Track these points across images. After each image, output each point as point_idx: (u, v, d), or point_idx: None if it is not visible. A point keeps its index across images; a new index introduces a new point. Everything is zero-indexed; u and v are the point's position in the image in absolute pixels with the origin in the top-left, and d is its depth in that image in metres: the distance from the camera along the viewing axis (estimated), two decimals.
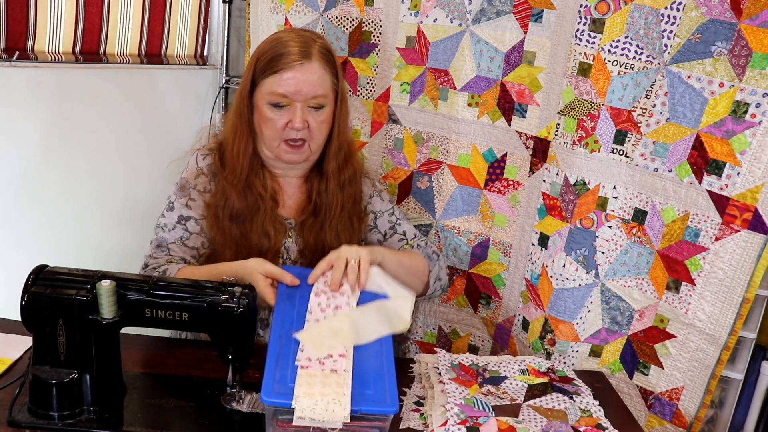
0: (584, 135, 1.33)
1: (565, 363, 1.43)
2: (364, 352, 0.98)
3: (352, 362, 0.94)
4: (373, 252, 1.17)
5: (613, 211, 1.33)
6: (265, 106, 1.23)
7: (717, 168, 1.18)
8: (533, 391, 1.11)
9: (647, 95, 1.25)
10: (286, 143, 1.25)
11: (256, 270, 1.09)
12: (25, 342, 1.11)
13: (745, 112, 1.14)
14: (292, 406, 0.85)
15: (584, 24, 1.29)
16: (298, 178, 1.36)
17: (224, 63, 2.30)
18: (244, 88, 1.27)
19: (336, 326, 1.00)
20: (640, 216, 1.31)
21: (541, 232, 1.45)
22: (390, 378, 0.94)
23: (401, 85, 1.58)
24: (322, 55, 1.24)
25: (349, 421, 0.85)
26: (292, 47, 1.22)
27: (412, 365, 1.21)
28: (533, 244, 1.47)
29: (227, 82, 2.31)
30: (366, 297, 1.12)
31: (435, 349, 1.20)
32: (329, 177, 1.33)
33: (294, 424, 0.86)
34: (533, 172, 1.45)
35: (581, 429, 1.01)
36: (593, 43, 1.29)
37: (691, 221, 1.23)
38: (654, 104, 1.24)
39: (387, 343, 1.02)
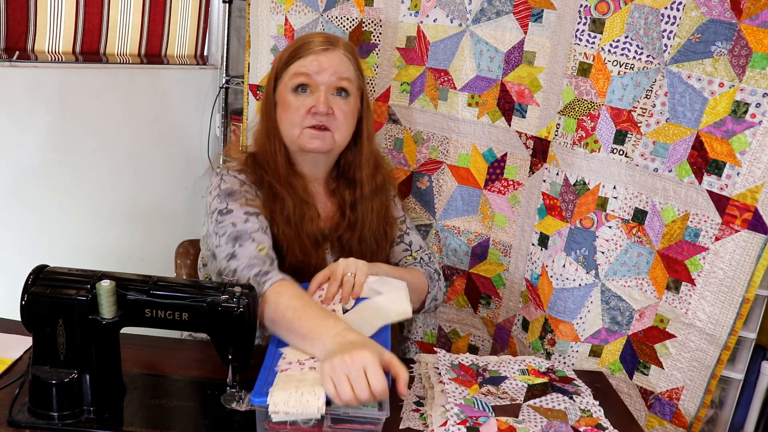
0: (584, 135, 1.33)
1: (565, 363, 1.43)
2: None
3: None
4: (375, 267, 1.16)
5: (613, 211, 1.33)
6: (288, 93, 1.21)
7: (717, 168, 1.18)
8: (533, 391, 1.11)
9: (647, 95, 1.25)
10: (310, 128, 1.20)
11: (374, 355, 0.86)
12: (25, 342, 1.11)
13: (745, 112, 1.14)
14: (267, 402, 0.85)
15: (584, 24, 1.29)
16: (325, 188, 1.33)
17: (224, 63, 2.30)
18: (268, 88, 1.26)
19: None
20: (640, 216, 1.31)
21: (541, 232, 1.45)
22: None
23: (401, 85, 1.58)
24: (346, 47, 1.25)
25: (324, 411, 0.85)
26: (316, 38, 1.22)
27: (412, 365, 1.21)
28: (533, 244, 1.47)
29: (227, 82, 2.31)
30: (360, 300, 1.12)
31: (435, 349, 1.20)
32: (363, 184, 1.30)
33: (272, 421, 0.86)
34: (533, 172, 1.45)
35: (581, 429, 1.01)
36: (593, 43, 1.29)
37: (691, 221, 1.23)
38: (654, 104, 1.24)
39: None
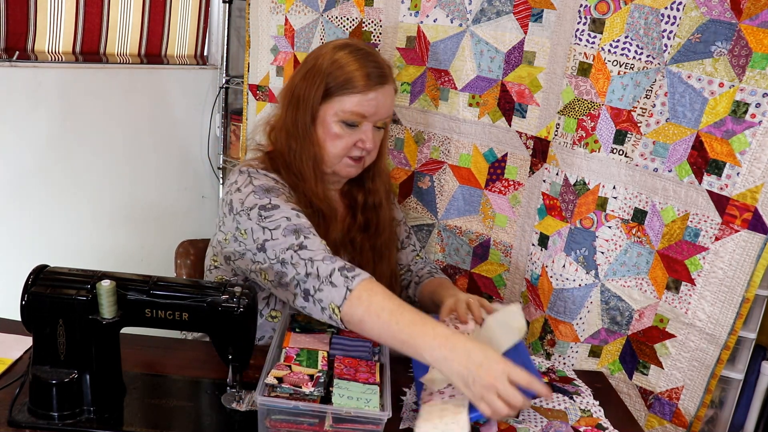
0: (584, 135, 1.33)
1: (564, 363, 1.43)
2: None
3: None
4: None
5: (612, 211, 1.33)
6: (335, 122, 1.21)
7: (717, 168, 1.18)
8: None
9: (647, 95, 1.25)
10: (350, 159, 1.25)
11: (502, 359, 0.91)
12: (25, 342, 1.11)
13: (745, 112, 1.14)
14: None
15: (584, 24, 1.29)
16: (338, 191, 1.36)
17: (224, 63, 2.30)
18: (306, 100, 1.21)
19: None
20: (639, 216, 1.31)
21: (541, 233, 1.45)
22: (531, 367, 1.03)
23: (402, 85, 1.58)
24: (393, 78, 1.26)
25: None
26: (372, 69, 1.20)
27: (412, 365, 1.21)
28: (533, 245, 1.47)
29: (227, 82, 2.31)
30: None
31: None
32: (377, 192, 1.34)
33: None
34: (533, 172, 1.45)
35: (581, 429, 1.01)
36: (593, 43, 1.29)
37: (691, 221, 1.23)
38: (654, 104, 1.24)
39: (522, 348, 1.08)
